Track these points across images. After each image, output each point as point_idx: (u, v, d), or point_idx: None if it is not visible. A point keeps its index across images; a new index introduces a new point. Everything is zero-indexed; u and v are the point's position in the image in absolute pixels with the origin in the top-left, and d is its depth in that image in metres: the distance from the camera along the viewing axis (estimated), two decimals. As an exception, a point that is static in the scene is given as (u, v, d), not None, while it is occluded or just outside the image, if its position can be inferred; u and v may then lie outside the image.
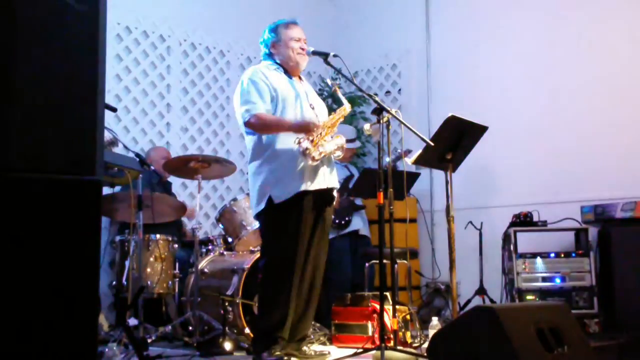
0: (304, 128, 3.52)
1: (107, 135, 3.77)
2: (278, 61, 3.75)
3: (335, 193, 3.80)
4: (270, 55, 3.77)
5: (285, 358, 3.48)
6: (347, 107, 3.67)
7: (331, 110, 3.87)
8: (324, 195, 3.67)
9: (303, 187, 3.53)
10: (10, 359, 1.59)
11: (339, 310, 4.38)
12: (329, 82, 3.93)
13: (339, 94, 3.75)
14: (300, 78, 3.83)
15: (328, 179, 3.67)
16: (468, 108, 5.06)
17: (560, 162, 5.63)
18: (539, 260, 4.99)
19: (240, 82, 3.69)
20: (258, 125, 3.57)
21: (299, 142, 3.48)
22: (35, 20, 1.69)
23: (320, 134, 3.54)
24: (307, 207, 3.56)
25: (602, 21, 5.60)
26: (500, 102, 5.97)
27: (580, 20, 5.71)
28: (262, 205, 3.57)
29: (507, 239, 5.14)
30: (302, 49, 3.72)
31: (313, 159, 3.49)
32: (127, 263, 4.32)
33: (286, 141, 3.56)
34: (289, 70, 3.75)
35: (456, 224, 3.94)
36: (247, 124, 3.58)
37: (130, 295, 4.09)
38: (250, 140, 3.67)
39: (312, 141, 3.50)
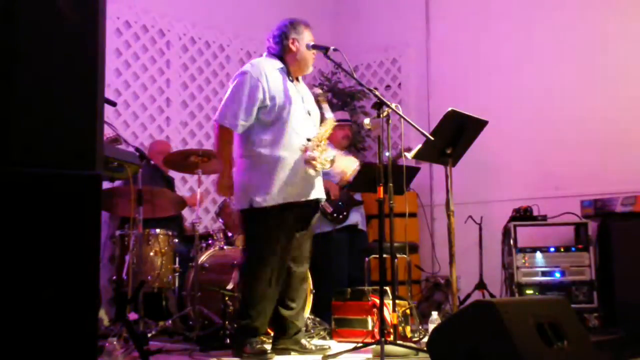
0: (220, 187, 3.68)
1: (110, 133, 3.76)
2: (287, 61, 3.67)
3: (322, 203, 3.84)
4: (281, 50, 3.67)
5: (269, 352, 3.52)
6: (332, 120, 3.67)
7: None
8: (309, 205, 3.69)
9: (288, 199, 3.54)
10: (11, 354, 1.59)
11: (338, 304, 4.39)
12: (318, 91, 3.88)
13: (326, 105, 3.75)
14: (297, 80, 3.79)
15: (314, 190, 3.67)
16: (468, 102, 5.06)
17: (560, 156, 5.63)
18: (538, 254, 4.99)
19: (242, 72, 3.62)
20: (217, 134, 3.63)
21: (306, 149, 3.51)
22: (35, 16, 1.68)
23: (320, 145, 3.56)
24: (289, 217, 3.58)
25: (604, 14, 5.59)
26: (501, 96, 5.96)
27: (581, 14, 5.70)
28: (245, 206, 3.58)
29: (507, 233, 5.14)
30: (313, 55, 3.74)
31: (314, 168, 3.51)
32: (127, 258, 4.32)
33: (275, 148, 3.54)
34: (293, 72, 3.70)
35: (456, 219, 3.94)
36: (216, 122, 3.62)
37: (130, 289, 4.09)
38: (238, 134, 3.65)
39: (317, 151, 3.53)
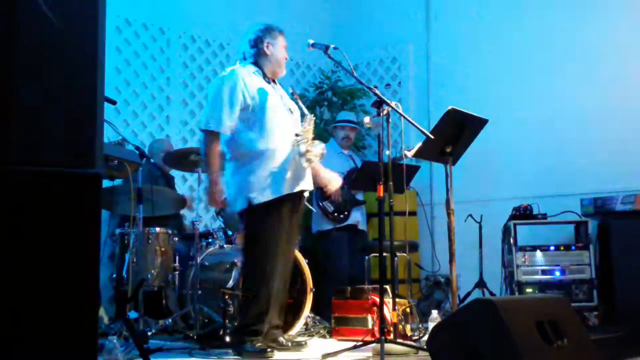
0: (211, 195, 3.64)
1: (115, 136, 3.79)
2: (261, 63, 3.75)
3: (307, 196, 3.88)
4: (256, 54, 3.76)
5: (269, 350, 3.51)
6: (311, 117, 3.74)
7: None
8: (299, 196, 3.74)
9: (283, 191, 3.59)
10: (12, 354, 1.59)
11: (338, 303, 4.39)
12: (290, 91, 3.97)
13: (300, 103, 3.83)
14: (274, 82, 3.85)
15: (305, 181, 3.73)
16: (468, 101, 5.06)
17: (560, 155, 5.64)
18: (538, 253, 4.99)
19: (217, 80, 3.71)
20: (204, 142, 3.65)
21: (298, 144, 3.59)
22: (35, 14, 1.68)
23: (308, 139, 3.64)
24: (285, 210, 3.63)
25: (604, 16, 5.59)
26: (501, 95, 5.96)
27: (581, 15, 5.70)
28: (244, 206, 3.61)
29: (507, 232, 5.14)
30: (285, 59, 3.84)
31: (310, 161, 3.61)
32: (127, 256, 4.31)
33: (262, 143, 3.59)
34: (268, 75, 3.77)
35: (456, 217, 3.93)
36: (202, 130, 3.67)
37: (130, 288, 4.09)
38: (225, 139, 3.71)
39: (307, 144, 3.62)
